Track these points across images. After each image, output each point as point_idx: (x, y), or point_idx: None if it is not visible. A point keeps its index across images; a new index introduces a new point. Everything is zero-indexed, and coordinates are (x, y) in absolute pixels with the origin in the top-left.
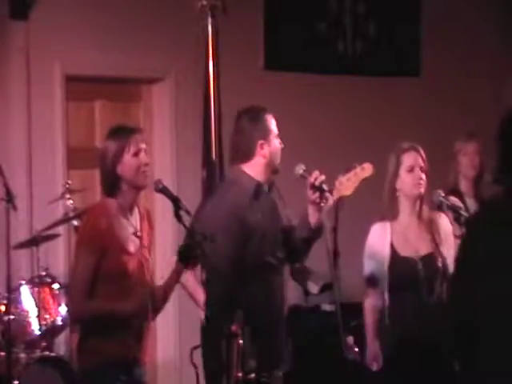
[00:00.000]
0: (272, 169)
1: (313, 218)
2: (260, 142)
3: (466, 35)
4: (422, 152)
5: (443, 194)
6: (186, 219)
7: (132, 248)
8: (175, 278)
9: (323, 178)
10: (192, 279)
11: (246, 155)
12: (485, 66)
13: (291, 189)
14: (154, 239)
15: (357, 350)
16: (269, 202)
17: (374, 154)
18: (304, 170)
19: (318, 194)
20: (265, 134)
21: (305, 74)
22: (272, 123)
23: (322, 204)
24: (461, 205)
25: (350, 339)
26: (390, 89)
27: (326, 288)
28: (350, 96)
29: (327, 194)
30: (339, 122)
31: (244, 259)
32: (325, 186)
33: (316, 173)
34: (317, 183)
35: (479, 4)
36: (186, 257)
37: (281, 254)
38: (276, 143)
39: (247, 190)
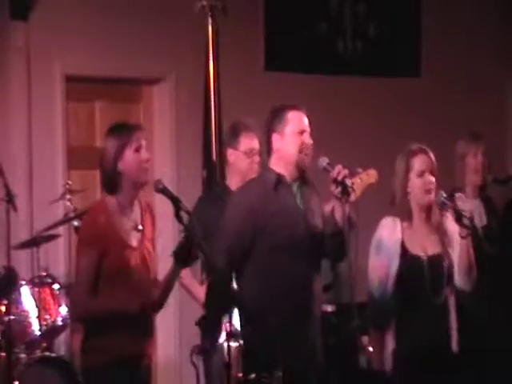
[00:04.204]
0: (293, 164)
1: (338, 212)
2: (274, 136)
3: (466, 35)
4: (431, 154)
5: (445, 195)
6: (187, 219)
7: (134, 243)
8: (172, 276)
9: (346, 172)
10: (187, 276)
11: (268, 150)
12: (485, 65)
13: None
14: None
15: (371, 349)
16: (290, 194)
17: (373, 154)
18: (328, 164)
19: (340, 189)
20: (279, 129)
21: (305, 74)
22: (291, 120)
23: (344, 199)
24: (464, 207)
25: (365, 339)
26: (390, 89)
27: (327, 289)
28: (350, 96)
29: (350, 189)
30: (339, 122)
31: (258, 246)
32: (347, 181)
33: (339, 167)
34: (339, 178)
35: (479, 4)
36: (182, 257)
37: (304, 247)
38: (291, 140)
39: (268, 181)
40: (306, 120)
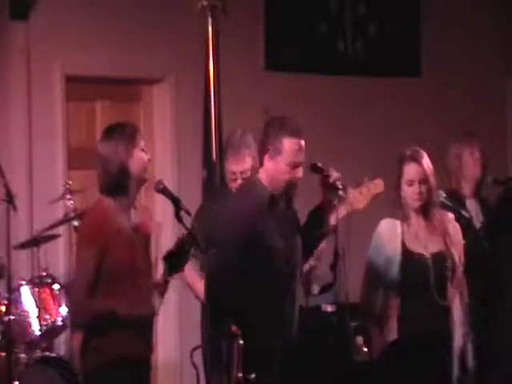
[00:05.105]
0: (280, 188)
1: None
2: (266, 157)
3: (466, 35)
4: (424, 160)
5: (444, 195)
6: (187, 220)
7: (132, 242)
8: (165, 283)
9: (338, 175)
10: (190, 272)
11: (260, 161)
12: (485, 65)
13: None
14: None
15: (366, 350)
16: (280, 213)
17: (374, 154)
18: (319, 167)
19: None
20: (271, 152)
21: (305, 74)
22: (285, 151)
23: (335, 202)
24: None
25: (360, 339)
26: (390, 89)
27: (327, 289)
28: (350, 96)
29: (341, 192)
30: (339, 122)
31: (254, 267)
32: (339, 184)
33: (331, 170)
34: (331, 181)
35: (479, 4)
36: (173, 266)
37: (296, 261)
38: (282, 170)
39: (261, 197)
40: (302, 148)
